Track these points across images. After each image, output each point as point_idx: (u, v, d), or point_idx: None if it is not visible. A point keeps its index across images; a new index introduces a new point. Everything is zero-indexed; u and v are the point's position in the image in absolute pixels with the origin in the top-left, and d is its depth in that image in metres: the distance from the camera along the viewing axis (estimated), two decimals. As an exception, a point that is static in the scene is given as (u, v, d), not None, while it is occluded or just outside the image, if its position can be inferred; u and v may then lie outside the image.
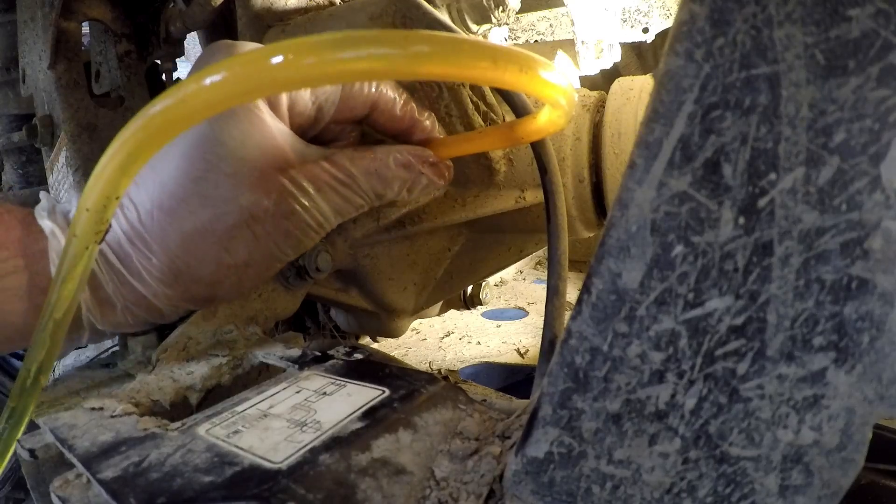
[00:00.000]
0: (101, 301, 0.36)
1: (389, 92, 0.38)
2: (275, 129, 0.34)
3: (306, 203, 0.36)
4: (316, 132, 0.38)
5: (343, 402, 0.29)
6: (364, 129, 0.41)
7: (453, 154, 0.40)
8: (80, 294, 0.31)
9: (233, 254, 0.36)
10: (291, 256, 0.39)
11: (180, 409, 0.34)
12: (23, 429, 0.32)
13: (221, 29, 0.64)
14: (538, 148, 0.39)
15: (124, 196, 0.35)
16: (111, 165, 0.26)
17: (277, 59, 0.23)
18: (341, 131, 0.39)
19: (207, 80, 0.23)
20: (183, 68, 0.66)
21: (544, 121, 0.33)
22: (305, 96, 0.36)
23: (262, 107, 0.34)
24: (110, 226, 0.31)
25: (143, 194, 0.34)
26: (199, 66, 0.35)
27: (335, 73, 0.23)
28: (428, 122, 0.39)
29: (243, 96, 0.24)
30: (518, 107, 0.40)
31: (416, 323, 0.79)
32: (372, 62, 0.22)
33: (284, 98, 0.35)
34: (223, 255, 0.35)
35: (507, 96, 0.41)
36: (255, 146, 0.34)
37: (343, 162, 0.37)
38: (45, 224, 0.36)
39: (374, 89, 0.37)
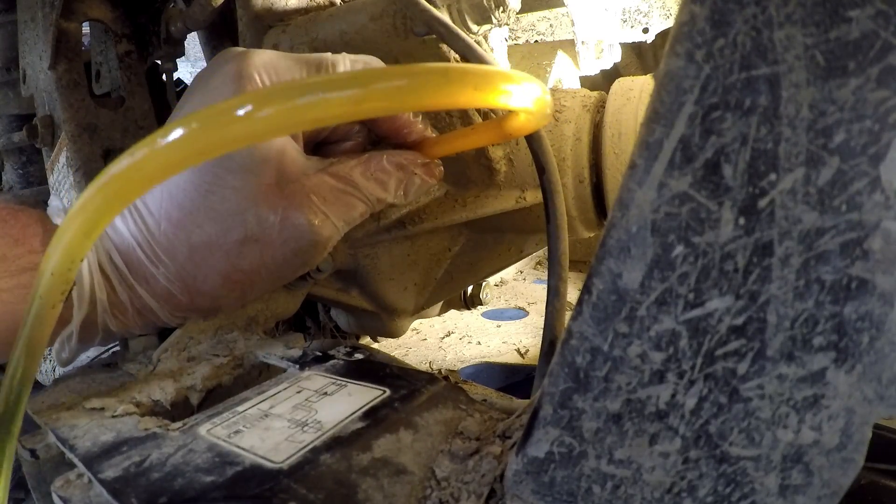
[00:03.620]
0: (114, 304, 0.36)
1: None
2: (280, 141, 0.34)
3: (315, 221, 0.35)
4: (328, 131, 0.38)
5: (344, 402, 0.29)
6: None
7: (446, 152, 0.40)
8: (43, 351, 0.31)
9: (239, 268, 0.35)
10: (300, 272, 0.39)
11: (181, 409, 0.34)
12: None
13: (222, 29, 0.64)
14: (535, 147, 0.39)
15: (137, 202, 0.35)
16: (72, 230, 0.26)
17: (237, 113, 0.22)
18: (349, 130, 0.39)
19: (163, 141, 0.23)
20: (183, 68, 0.66)
21: (525, 117, 0.33)
22: None
23: None
24: (74, 283, 0.31)
25: (153, 203, 0.34)
26: (205, 75, 0.35)
27: (294, 122, 0.23)
28: (421, 125, 0.39)
29: (202, 155, 0.23)
30: None
31: (416, 323, 0.79)
32: (330, 108, 0.22)
33: None
34: (229, 270, 0.35)
35: None
36: (261, 159, 0.33)
37: (342, 171, 0.37)
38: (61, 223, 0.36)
39: None
